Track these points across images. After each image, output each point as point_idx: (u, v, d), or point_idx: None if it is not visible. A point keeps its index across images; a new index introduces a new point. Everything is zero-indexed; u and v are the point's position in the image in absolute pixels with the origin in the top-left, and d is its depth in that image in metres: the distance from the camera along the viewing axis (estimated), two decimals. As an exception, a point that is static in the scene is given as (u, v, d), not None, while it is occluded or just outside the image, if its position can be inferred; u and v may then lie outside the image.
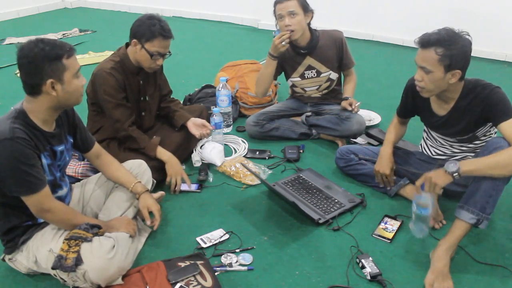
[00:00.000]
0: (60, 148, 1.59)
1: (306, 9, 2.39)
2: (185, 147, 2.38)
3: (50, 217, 1.53)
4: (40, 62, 1.39)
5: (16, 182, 1.41)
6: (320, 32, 2.53)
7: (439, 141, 1.95)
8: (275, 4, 2.39)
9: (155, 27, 1.98)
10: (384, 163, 2.02)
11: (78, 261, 1.49)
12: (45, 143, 1.51)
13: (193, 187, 2.19)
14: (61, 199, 1.64)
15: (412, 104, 1.96)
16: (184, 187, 2.16)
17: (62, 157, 1.61)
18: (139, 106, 2.22)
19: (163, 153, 2.14)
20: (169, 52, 2.09)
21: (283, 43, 2.34)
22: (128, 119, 2.11)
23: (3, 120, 1.43)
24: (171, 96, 2.46)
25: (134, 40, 2.02)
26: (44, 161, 1.50)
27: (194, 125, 2.35)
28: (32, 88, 1.43)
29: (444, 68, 1.62)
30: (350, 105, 2.44)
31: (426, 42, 1.63)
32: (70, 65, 1.44)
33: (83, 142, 1.74)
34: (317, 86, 2.60)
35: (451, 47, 1.59)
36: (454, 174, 1.58)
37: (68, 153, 1.65)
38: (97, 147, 1.81)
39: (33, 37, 1.44)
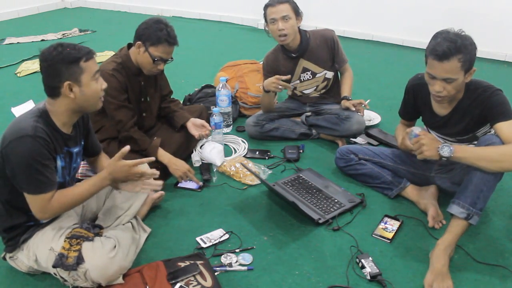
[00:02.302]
0: (76, 150, 1.61)
1: (297, 13, 2.40)
2: (185, 147, 2.38)
3: (48, 217, 1.53)
4: (58, 65, 1.42)
5: (27, 179, 1.42)
6: (311, 33, 2.53)
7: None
8: (266, 7, 2.39)
9: (162, 32, 1.98)
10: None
11: (80, 259, 1.49)
12: (63, 145, 1.53)
13: (194, 185, 2.19)
14: None
15: (414, 104, 1.97)
16: (185, 184, 2.18)
17: (77, 159, 1.64)
18: (140, 106, 2.22)
19: (163, 156, 2.15)
20: (172, 58, 2.10)
21: (279, 86, 2.36)
22: (130, 120, 2.11)
23: (26, 117, 1.46)
24: (171, 97, 2.46)
25: (139, 42, 2.02)
26: (59, 163, 1.52)
27: (194, 125, 2.35)
28: (52, 90, 1.47)
29: (465, 72, 1.62)
30: (354, 106, 2.42)
31: (447, 53, 1.57)
32: (88, 67, 1.46)
33: (92, 147, 1.77)
34: (315, 87, 2.61)
35: (467, 50, 1.58)
36: (443, 158, 1.63)
37: (79, 156, 1.68)
38: (103, 154, 1.84)
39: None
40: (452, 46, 1.56)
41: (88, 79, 1.47)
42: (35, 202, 1.46)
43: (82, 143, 1.70)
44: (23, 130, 1.40)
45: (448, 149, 1.62)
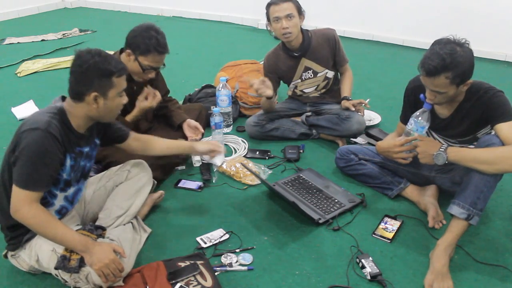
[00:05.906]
0: (86, 149, 1.63)
1: (300, 11, 2.41)
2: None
3: (17, 217, 1.45)
4: (91, 74, 1.45)
5: (21, 170, 1.42)
6: (312, 32, 2.53)
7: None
8: (269, 5, 2.38)
9: (151, 41, 1.94)
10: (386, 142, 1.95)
11: (82, 262, 1.49)
12: (74, 145, 1.55)
13: (194, 186, 2.19)
14: (68, 198, 1.64)
15: (414, 107, 1.95)
16: (185, 184, 2.19)
17: (86, 157, 1.64)
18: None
19: (132, 114, 2.15)
20: (164, 65, 2.07)
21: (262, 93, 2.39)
22: None
23: (43, 112, 1.49)
24: (169, 96, 2.45)
25: (128, 50, 1.99)
26: (68, 161, 1.53)
27: (188, 127, 2.36)
28: (77, 95, 1.49)
29: (457, 85, 1.62)
30: (354, 105, 2.42)
31: (433, 71, 1.56)
32: (118, 83, 1.50)
33: (118, 135, 1.77)
34: (315, 86, 2.61)
35: (458, 67, 1.55)
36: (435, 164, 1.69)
37: (93, 153, 1.68)
38: (133, 133, 1.83)
39: (93, 49, 1.48)
40: (440, 65, 1.55)
41: (115, 94, 1.51)
42: (16, 195, 1.43)
43: (97, 142, 1.70)
44: (37, 123, 1.43)
45: (442, 158, 1.64)
